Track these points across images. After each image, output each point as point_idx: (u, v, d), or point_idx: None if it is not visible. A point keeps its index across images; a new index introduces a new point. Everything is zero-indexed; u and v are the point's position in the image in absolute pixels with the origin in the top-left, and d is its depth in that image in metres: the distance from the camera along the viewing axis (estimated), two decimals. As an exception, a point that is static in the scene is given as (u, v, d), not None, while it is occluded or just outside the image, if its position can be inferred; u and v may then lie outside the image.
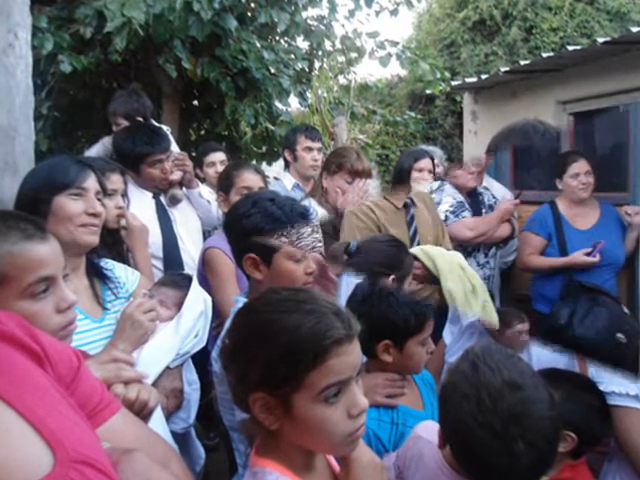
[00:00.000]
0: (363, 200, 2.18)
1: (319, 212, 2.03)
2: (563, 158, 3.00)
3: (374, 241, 1.75)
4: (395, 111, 6.16)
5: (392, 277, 1.63)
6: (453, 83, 5.24)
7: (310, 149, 2.80)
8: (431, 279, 2.25)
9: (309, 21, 4.01)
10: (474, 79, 4.93)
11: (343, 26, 4.28)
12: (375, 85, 5.80)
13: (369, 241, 1.74)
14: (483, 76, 4.73)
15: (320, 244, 2.59)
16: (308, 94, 4.07)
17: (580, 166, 2.87)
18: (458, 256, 2.35)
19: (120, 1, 2.83)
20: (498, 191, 3.26)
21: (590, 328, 2.69)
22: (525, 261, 3.01)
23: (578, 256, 2.79)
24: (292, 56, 3.74)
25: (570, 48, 3.80)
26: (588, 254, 2.77)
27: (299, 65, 3.79)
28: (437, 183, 2.94)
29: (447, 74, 4.52)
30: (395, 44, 4.10)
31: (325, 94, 4.30)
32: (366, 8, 4.08)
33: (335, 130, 3.87)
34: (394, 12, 4.20)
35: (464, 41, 8.28)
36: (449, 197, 2.85)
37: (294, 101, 4.06)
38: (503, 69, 4.35)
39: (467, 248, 2.82)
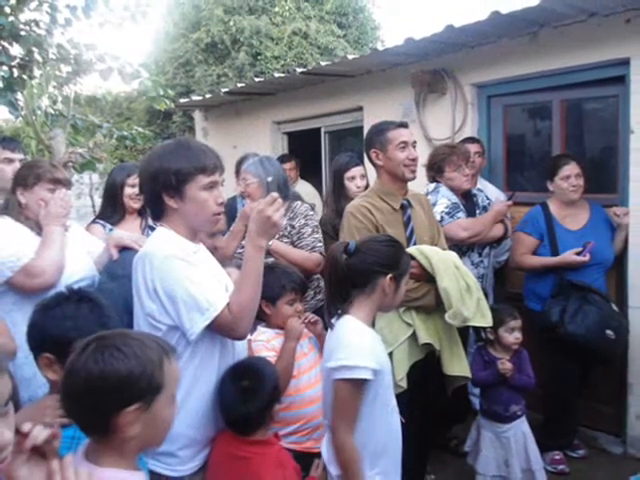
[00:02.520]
0: (67, 210, 2.03)
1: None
2: (554, 161, 2.99)
3: (372, 241, 1.73)
4: (129, 125, 5.97)
5: (389, 276, 1.61)
6: (182, 101, 5.44)
7: (10, 160, 2.53)
8: (427, 277, 2.25)
9: (22, 25, 3.68)
10: (200, 97, 5.21)
11: (63, 34, 3.95)
12: (104, 97, 5.62)
13: (367, 241, 1.72)
14: (208, 95, 5.06)
15: (320, 244, 2.61)
16: (21, 104, 3.68)
17: (571, 169, 2.86)
18: (453, 255, 2.34)
19: None
20: (492, 193, 3.26)
21: (580, 325, 2.70)
22: (518, 260, 3.01)
23: (569, 255, 2.79)
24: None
25: (276, 75, 4.21)
26: (578, 254, 2.77)
27: (14, 72, 3.52)
28: (433, 185, 2.94)
29: (170, 91, 4.45)
30: (116, 58, 3.95)
31: (44, 104, 3.90)
32: (92, 17, 3.86)
33: (52, 143, 3.50)
34: (119, 26, 4.03)
35: (198, 61, 8.63)
36: (444, 198, 2.84)
37: (5, 111, 3.67)
38: (223, 90, 4.76)
39: (462, 248, 2.81)
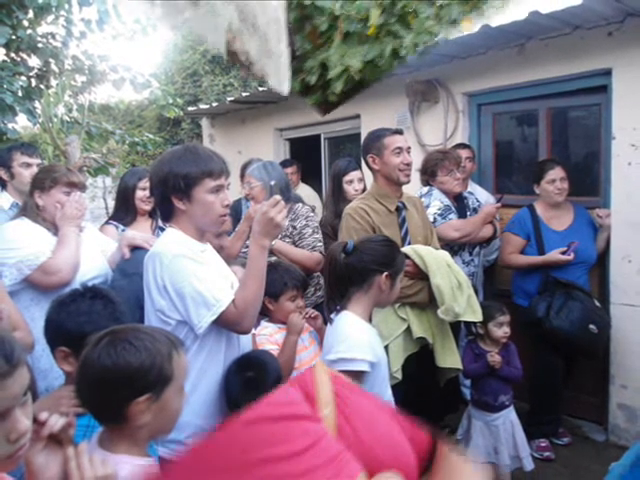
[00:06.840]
0: (81, 212, 2.04)
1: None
2: (540, 165, 2.99)
3: (369, 241, 1.73)
4: (140, 132, 5.94)
5: (385, 274, 1.61)
6: (190, 109, 5.43)
7: (28, 165, 2.57)
8: (421, 275, 2.25)
9: (39, 38, 3.70)
10: (207, 106, 5.19)
11: (78, 46, 4.01)
12: (117, 106, 5.61)
13: (365, 241, 1.72)
14: (214, 104, 5.04)
15: (320, 244, 2.61)
16: (39, 112, 3.71)
17: (556, 173, 2.86)
18: (445, 254, 2.34)
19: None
20: (482, 195, 3.26)
21: (565, 320, 2.70)
22: (506, 259, 3.01)
23: (554, 255, 2.79)
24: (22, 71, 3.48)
25: None
26: (563, 253, 2.77)
27: (32, 81, 3.50)
28: (426, 188, 2.94)
29: (179, 100, 4.45)
30: (128, 69, 3.96)
31: (60, 112, 3.92)
32: (105, 30, 3.89)
33: (68, 149, 3.53)
34: (131, 38, 4.06)
35: (205, 72, 8.63)
36: (437, 201, 2.84)
37: (24, 118, 3.63)
38: (229, 99, 4.75)
39: (453, 247, 2.81)
